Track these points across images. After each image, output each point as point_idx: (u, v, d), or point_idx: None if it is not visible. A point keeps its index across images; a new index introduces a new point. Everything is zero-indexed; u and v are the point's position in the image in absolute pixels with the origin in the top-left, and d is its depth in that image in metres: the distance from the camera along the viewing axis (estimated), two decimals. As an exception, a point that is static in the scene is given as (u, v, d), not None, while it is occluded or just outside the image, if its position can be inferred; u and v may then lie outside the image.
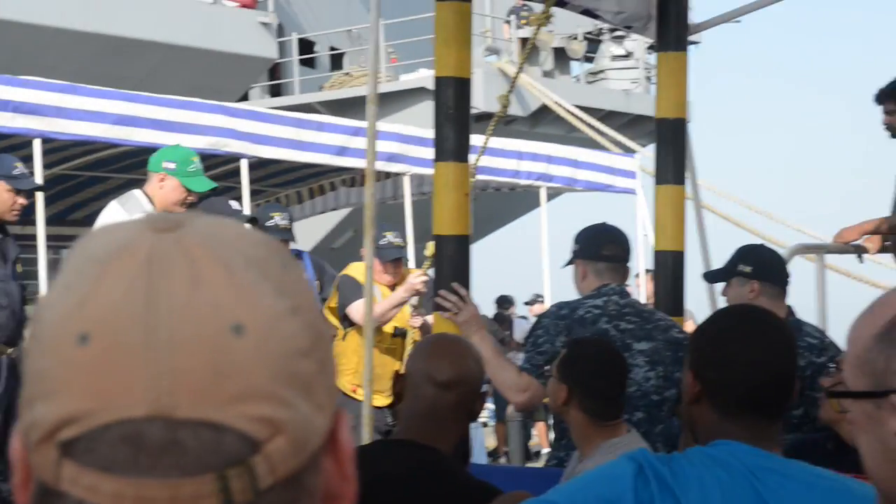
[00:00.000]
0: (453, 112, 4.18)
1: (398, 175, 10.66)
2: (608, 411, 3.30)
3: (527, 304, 14.37)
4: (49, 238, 8.19)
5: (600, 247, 4.10)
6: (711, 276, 4.53)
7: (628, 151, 13.31)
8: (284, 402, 0.71)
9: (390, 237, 6.61)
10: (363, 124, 9.85)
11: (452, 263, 4.22)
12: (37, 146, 7.87)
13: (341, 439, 0.75)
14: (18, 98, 7.85)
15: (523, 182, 11.72)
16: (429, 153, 10.10)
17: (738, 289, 4.30)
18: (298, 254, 6.66)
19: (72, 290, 0.72)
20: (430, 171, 10.21)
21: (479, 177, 10.69)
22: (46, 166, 8.97)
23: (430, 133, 10.68)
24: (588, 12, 4.64)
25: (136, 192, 5.61)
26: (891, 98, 5.27)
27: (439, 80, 4.21)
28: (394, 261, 6.59)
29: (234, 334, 0.70)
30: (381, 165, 9.98)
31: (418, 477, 2.63)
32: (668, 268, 4.70)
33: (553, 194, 13.03)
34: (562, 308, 4.08)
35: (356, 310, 6.38)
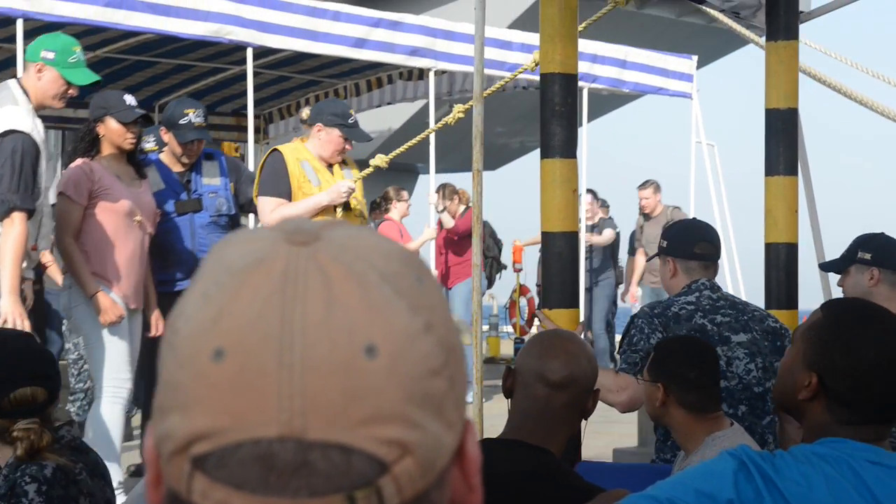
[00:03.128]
0: (560, 108, 4.17)
1: (422, 71, 9.89)
2: (707, 403, 3.30)
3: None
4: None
5: (693, 245, 4.12)
6: (829, 266, 4.49)
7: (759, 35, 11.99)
8: (414, 424, 0.71)
9: (356, 117, 6.33)
10: (385, 15, 9.41)
11: (561, 260, 4.21)
12: (19, 27, 7.42)
13: (469, 451, 0.76)
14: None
15: None
16: (459, 48, 9.54)
17: (856, 276, 4.29)
18: (212, 154, 6.37)
19: (209, 301, 0.73)
20: (458, 67, 9.66)
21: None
22: None
23: (459, 27, 9.77)
24: None
25: (11, 83, 5.24)
26: None
27: (545, 77, 4.20)
28: (349, 141, 6.22)
29: (366, 356, 0.71)
30: (401, 60, 9.53)
31: (529, 479, 2.63)
32: (781, 260, 4.62)
33: (596, 103, 12.04)
34: (654, 307, 4.11)
35: (266, 210, 6.06)
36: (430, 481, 0.72)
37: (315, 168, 6.17)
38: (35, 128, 5.10)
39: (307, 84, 11.12)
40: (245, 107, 9.28)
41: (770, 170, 4.55)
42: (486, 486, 2.68)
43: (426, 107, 10.06)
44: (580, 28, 4.21)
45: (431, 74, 9.74)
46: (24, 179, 5.01)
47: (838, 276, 4.47)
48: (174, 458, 0.72)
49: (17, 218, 5.00)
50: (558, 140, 4.19)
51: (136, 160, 5.79)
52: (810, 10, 4.85)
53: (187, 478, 0.72)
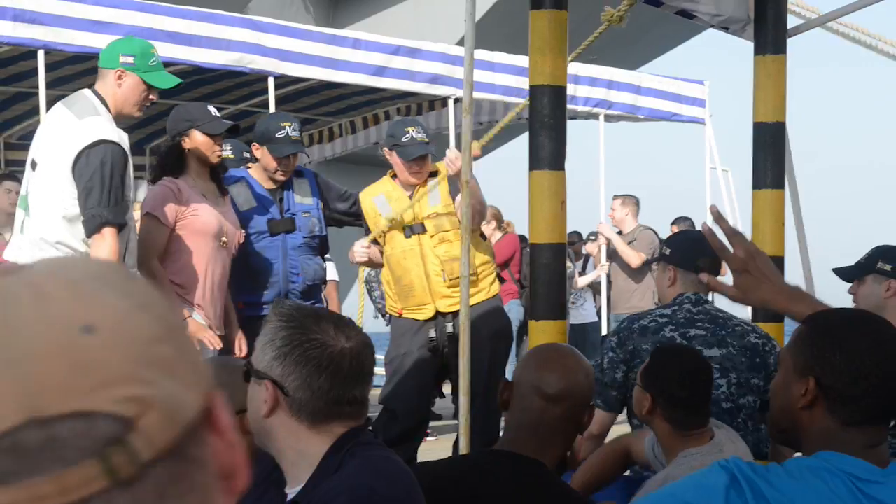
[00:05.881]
0: (549, 120, 4.17)
1: (443, 99, 9.79)
2: (692, 420, 3.31)
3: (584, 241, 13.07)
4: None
5: (695, 257, 4.11)
6: (845, 273, 4.41)
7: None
8: (148, 382, 0.76)
9: (413, 133, 6.02)
10: (404, 42, 9.39)
11: (549, 270, 4.22)
12: (41, 58, 7.30)
13: (220, 416, 0.81)
14: (20, 5, 7.20)
15: (580, 109, 10.63)
16: (479, 74, 9.48)
17: (872, 286, 4.27)
18: (302, 171, 6.05)
19: None
20: (478, 94, 9.58)
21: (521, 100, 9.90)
22: (51, 84, 8.19)
23: (477, 53, 9.74)
24: (684, 13, 4.61)
25: (86, 92, 4.90)
26: None
27: (534, 89, 4.20)
28: (418, 158, 5.96)
29: (85, 333, 0.76)
30: (422, 87, 9.47)
31: (522, 490, 2.62)
32: (769, 273, 4.63)
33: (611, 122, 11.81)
34: (623, 322, 4.19)
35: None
36: (180, 433, 0.76)
37: (389, 197, 6.04)
38: (120, 137, 4.81)
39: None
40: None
41: (758, 183, 4.57)
42: (480, 497, 2.66)
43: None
44: (578, 51, 4.21)
45: (451, 102, 9.62)
46: (114, 192, 4.72)
47: (848, 284, 4.40)
48: None
49: (109, 233, 4.71)
50: (546, 152, 4.19)
51: (218, 176, 5.52)
52: (798, 24, 4.87)
53: None
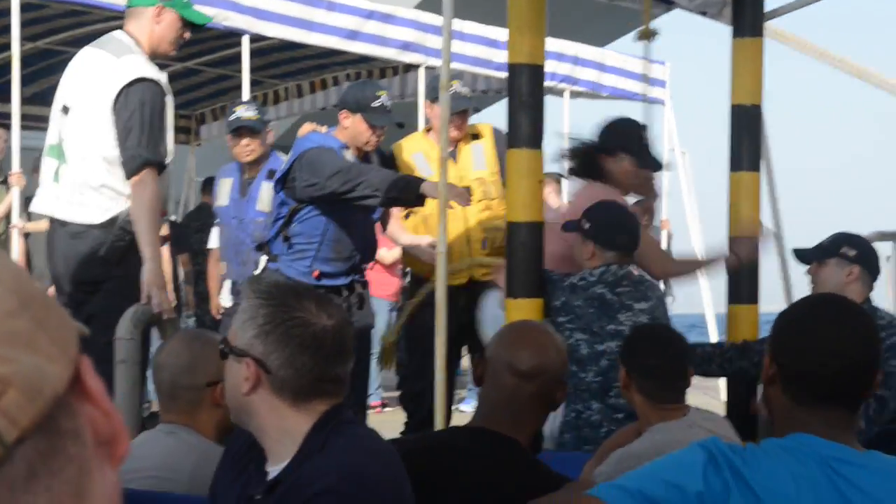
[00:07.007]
0: (527, 99, 4.19)
1: (411, 67, 9.57)
2: (664, 393, 3.34)
3: None
4: (25, 118, 7.47)
5: (614, 236, 4.29)
6: (806, 255, 4.42)
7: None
8: (4, 359, 0.74)
9: (456, 86, 5.73)
10: (378, 7, 9.20)
11: (526, 249, 4.24)
12: (14, 6, 7.21)
13: (89, 382, 0.79)
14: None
15: (546, 83, 10.47)
16: (452, 44, 9.40)
17: (834, 269, 4.29)
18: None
19: None
20: (452, 64, 9.25)
21: (489, 72, 9.81)
22: (27, 38, 8.22)
23: (453, 23, 9.50)
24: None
25: (117, 34, 4.73)
26: None
27: (513, 67, 4.22)
28: (460, 113, 5.68)
29: None
30: (393, 54, 9.34)
31: (499, 468, 2.64)
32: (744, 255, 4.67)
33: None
34: (551, 273, 4.35)
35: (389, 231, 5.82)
36: (44, 407, 0.75)
37: (428, 157, 5.78)
38: (159, 76, 4.64)
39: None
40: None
41: (734, 165, 4.60)
42: (458, 474, 2.66)
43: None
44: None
45: (421, 71, 9.42)
46: (154, 132, 4.56)
47: (806, 266, 4.42)
48: None
49: (148, 176, 4.54)
50: (525, 131, 4.22)
51: None
52: (775, 7, 4.89)
53: None
